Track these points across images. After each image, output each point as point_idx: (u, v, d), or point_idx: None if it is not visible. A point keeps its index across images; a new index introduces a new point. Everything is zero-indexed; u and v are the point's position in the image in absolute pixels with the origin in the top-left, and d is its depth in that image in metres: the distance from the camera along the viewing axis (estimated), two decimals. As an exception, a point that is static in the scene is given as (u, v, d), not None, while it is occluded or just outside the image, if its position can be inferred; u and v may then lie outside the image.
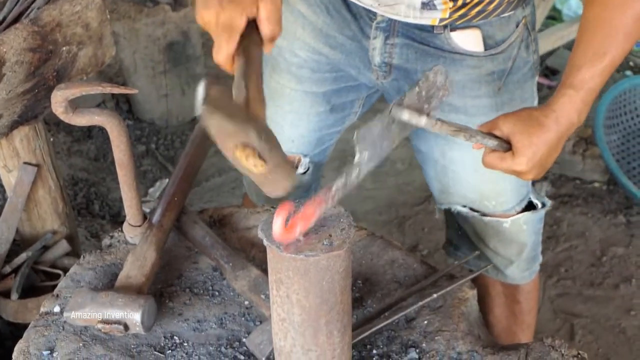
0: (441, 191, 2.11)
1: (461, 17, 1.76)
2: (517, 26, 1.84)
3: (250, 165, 1.24)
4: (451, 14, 1.75)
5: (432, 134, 1.97)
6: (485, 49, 1.83)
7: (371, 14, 1.84)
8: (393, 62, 1.88)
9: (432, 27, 1.80)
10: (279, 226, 1.23)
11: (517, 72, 1.89)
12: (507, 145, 1.61)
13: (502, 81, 1.88)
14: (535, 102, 1.98)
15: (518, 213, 2.09)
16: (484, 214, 2.11)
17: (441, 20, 1.77)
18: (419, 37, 1.83)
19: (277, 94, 2.09)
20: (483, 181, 2.01)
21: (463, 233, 2.23)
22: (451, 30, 1.80)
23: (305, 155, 2.18)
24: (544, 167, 1.63)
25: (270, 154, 1.24)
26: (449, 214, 2.23)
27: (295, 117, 2.11)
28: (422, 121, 1.38)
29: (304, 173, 2.20)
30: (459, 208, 2.14)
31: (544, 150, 1.60)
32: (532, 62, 1.92)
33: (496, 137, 1.62)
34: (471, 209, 2.11)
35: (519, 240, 2.14)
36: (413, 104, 1.38)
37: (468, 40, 1.82)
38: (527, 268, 2.22)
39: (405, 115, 1.35)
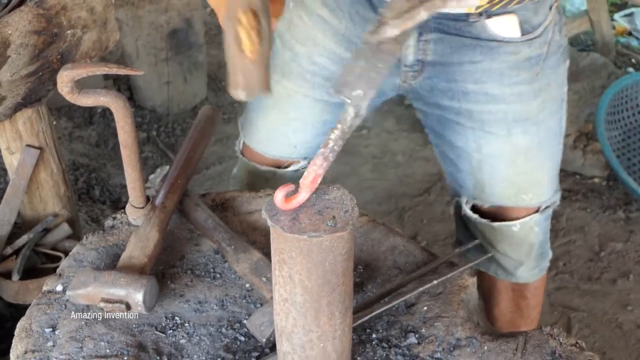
0: (475, 186, 2.06)
1: (497, 2, 1.73)
2: (550, 9, 1.83)
3: (245, 37, 1.23)
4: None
5: (469, 128, 1.94)
6: (522, 34, 1.81)
7: None
8: (427, 59, 1.86)
9: (467, 15, 1.78)
10: (280, 198, 1.24)
11: (553, 57, 1.88)
12: None
13: (540, 66, 1.86)
14: (566, 88, 1.97)
15: (527, 215, 2.08)
16: (496, 219, 2.09)
17: (477, 7, 1.74)
18: (454, 28, 1.81)
19: (282, 100, 2.04)
20: (520, 173, 1.99)
21: (472, 235, 2.20)
22: (487, 18, 1.78)
23: (305, 159, 2.14)
24: None
25: (264, 42, 1.22)
26: (458, 216, 2.21)
27: (300, 124, 2.07)
28: (421, 15, 1.25)
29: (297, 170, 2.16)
30: (469, 213, 2.12)
31: None
32: (564, 46, 1.91)
33: None
34: (487, 215, 2.10)
35: (528, 241, 2.13)
36: (398, 13, 1.27)
37: (504, 26, 1.80)
38: (536, 266, 2.21)
39: (393, 30, 1.26)
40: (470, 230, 2.21)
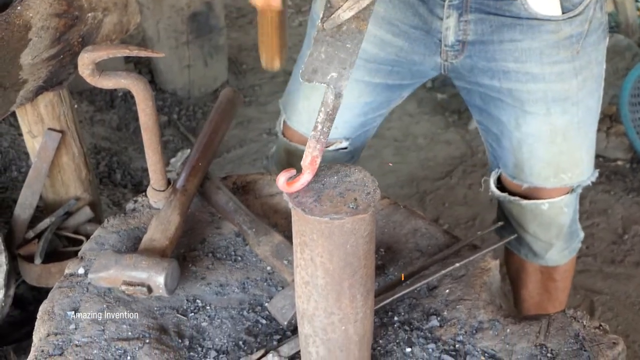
0: (515, 165, 2.05)
1: None
2: None
3: None
4: None
5: (510, 105, 1.93)
6: (563, 12, 1.80)
7: None
8: (467, 39, 1.86)
9: None
10: (282, 182, 1.23)
11: (593, 34, 1.86)
12: None
13: (580, 44, 1.85)
14: (604, 65, 1.95)
15: (559, 195, 2.06)
16: (526, 197, 2.08)
17: None
18: (494, 7, 1.80)
19: None
20: (560, 153, 1.98)
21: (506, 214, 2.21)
22: None
23: (347, 139, 2.14)
24: None
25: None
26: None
27: (341, 105, 2.07)
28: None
29: (345, 149, 2.16)
30: (497, 192, 2.12)
31: None
32: (604, 23, 1.90)
33: None
34: (516, 194, 2.09)
35: (558, 222, 2.12)
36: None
37: (545, 4, 1.78)
38: (566, 247, 2.21)
39: (350, 12, 1.29)
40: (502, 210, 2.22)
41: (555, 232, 2.14)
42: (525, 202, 2.08)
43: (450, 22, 1.84)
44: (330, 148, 2.15)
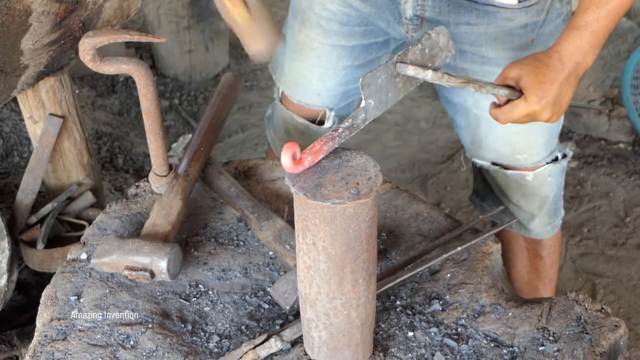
0: (472, 142, 2.11)
1: None
2: None
3: (231, 8, 1.30)
4: None
5: None
6: (519, 1, 1.82)
7: None
8: (425, 15, 1.87)
9: None
10: (287, 159, 1.24)
11: (550, 24, 1.88)
12: (519, 93, 1.64)
13: (535, 33, 1.86)
14: None
15: (543, 165, 2.08)
16: (507, 168, 2.10)
17: None
18: None
19: (305, 47, 2.09)
20: (516, 132, 2.00)
21: (488, 185, 2.23)
22: None
23: (330, 109, 2.18)
24: (559, 106, 1.65)
25: (255, 6, 1.29)
26: (476, 166, 2.23)
27: (322, 70, 2.11)
28: (428, 75, 1.44)
29: (331, 126, 2.20)
30: (482, 162, 2.14)
31: (553, 88, 1.62)
32: (565, 14, 1.91)
33: (507, 86, 1.65)
34: (499, 165, 2.11)
35: (541, 193, 2.14)
36: (417, 59, 1.43)
37: None
38: (549, 222, 2.22)
39: (410, 71, 1.41)
40: (486, 180, 2.24)
41: (538, 203, 2.16)
42: (510, 172, 2.11)
43: None
44: (324, 127, 2.20)
